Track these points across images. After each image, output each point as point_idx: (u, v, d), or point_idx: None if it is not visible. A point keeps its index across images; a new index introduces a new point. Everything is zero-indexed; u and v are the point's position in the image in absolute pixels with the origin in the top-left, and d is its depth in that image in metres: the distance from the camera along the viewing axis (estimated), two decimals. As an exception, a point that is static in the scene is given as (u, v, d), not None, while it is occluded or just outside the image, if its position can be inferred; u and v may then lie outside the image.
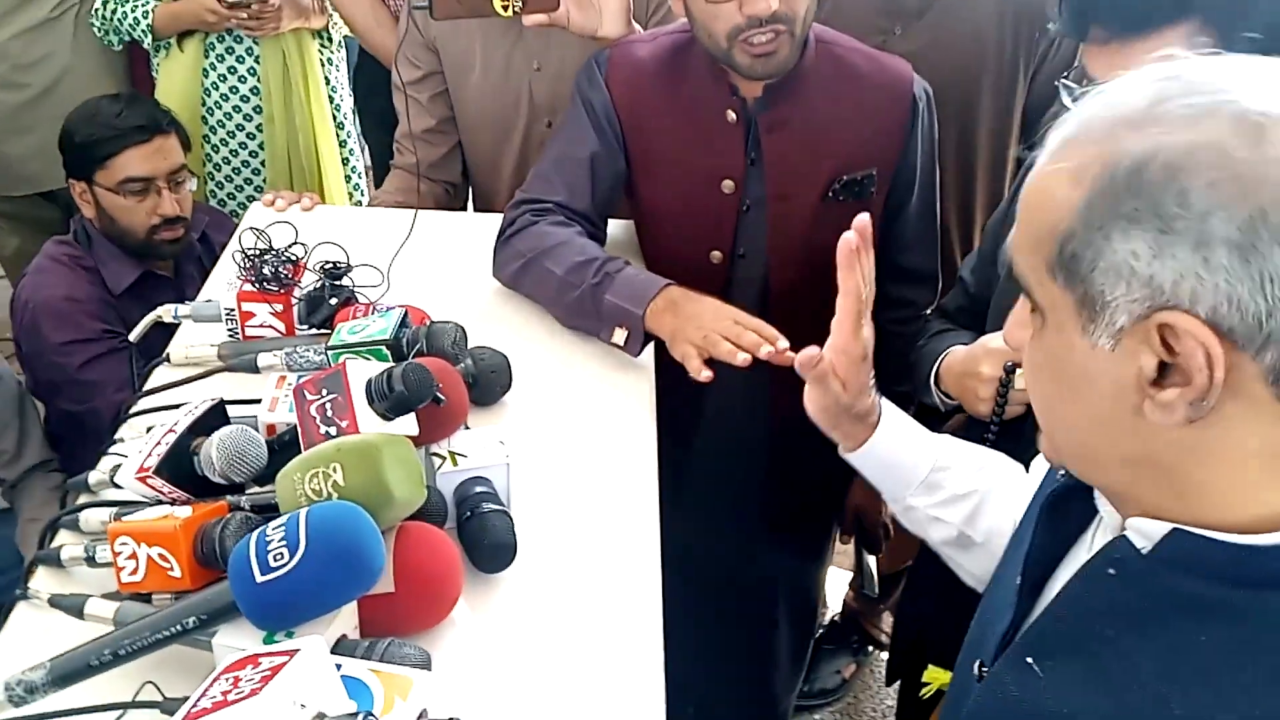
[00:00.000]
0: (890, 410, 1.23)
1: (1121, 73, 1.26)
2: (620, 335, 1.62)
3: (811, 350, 1.15)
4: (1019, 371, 1.40)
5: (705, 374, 1.50)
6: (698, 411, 1.89)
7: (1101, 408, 0.75)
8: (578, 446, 1.46)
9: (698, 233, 1.80)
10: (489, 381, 1.47)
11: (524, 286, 1.75)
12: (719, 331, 1.50)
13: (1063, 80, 1.38)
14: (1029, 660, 0.82)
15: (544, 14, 1.82)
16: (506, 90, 2.04)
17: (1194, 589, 0.74)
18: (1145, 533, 0.77)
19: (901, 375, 1.67)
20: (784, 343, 1.45)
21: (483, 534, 1.22)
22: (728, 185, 1.76)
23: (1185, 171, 0.67)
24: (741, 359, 1.47)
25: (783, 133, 1.74)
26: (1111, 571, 0.78)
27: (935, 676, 1.44)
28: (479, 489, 1.26)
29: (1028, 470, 1.23)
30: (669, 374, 1.58)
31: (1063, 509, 0.92)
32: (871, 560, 2.66)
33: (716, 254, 1.80)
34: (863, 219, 1.12)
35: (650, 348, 1.66)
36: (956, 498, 1.21)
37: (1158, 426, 0.72)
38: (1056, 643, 0.82)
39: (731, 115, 1.74)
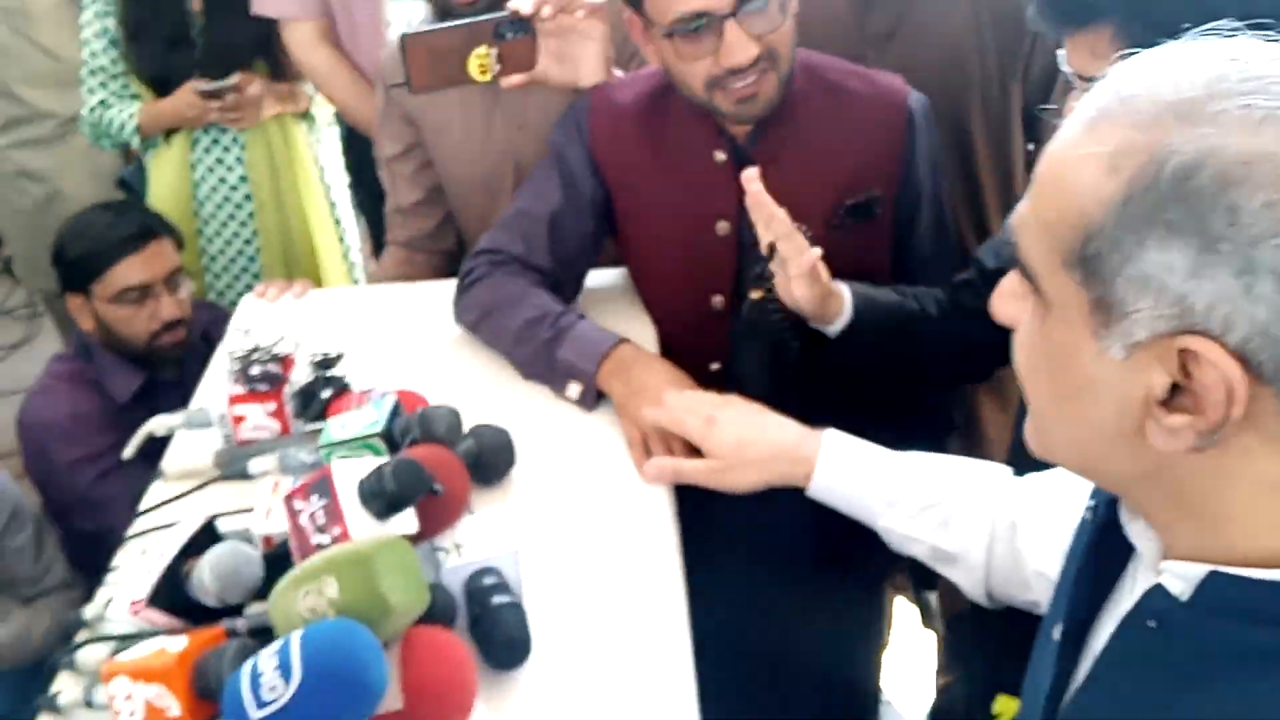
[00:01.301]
0: (833, 437, 1.28)
1: (1072, 65, 1.23)
2: (574, 390, 1.61)
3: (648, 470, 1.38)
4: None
5: (648, 474, 1.47)
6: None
7: (1100, 420, 0.69)
8: (591, 524, 1.40)
9: (694, 279, 1.73)
10: (492, 461, 1.41)
11: (481, 336, 1.76)
12: (650, 425, 1.50)
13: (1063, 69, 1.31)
14: None
15: (522, 74, 1.77)
16: (490, 153, 1.99)
17: (1244, 636, 0.66)
18: (1182, 576, 0.69)
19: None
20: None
21: (494, 630, 1.15)
22: (722, 227, 1.69)
23: (1239, 186, 0.59)
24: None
25: (778, 166, 1.64)
26: (1152, 624, 0.71)
27: (1006, 707, 1.37)
28: (488, 580, 1.20)
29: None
30: None
31: (1099, 549, 0.84)
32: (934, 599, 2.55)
33: (718, 298, 1.72)
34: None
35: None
36: (922, 510, 1.21)
37: (1159, 449, 0.66)
38: (1106, 707, 0.74)
39: (720, 155, 1.67)
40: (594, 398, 1.60)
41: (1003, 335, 1.55)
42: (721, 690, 1.22)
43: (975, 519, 1.18)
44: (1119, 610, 0.80)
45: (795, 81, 1.65)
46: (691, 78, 1.57)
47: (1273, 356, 0.60)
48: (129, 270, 2.11)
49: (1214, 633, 0.67)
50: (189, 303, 2.21)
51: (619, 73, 1.85)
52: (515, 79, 1.77)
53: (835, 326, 1.50)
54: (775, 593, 1.95)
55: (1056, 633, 0.85)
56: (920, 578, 2.33)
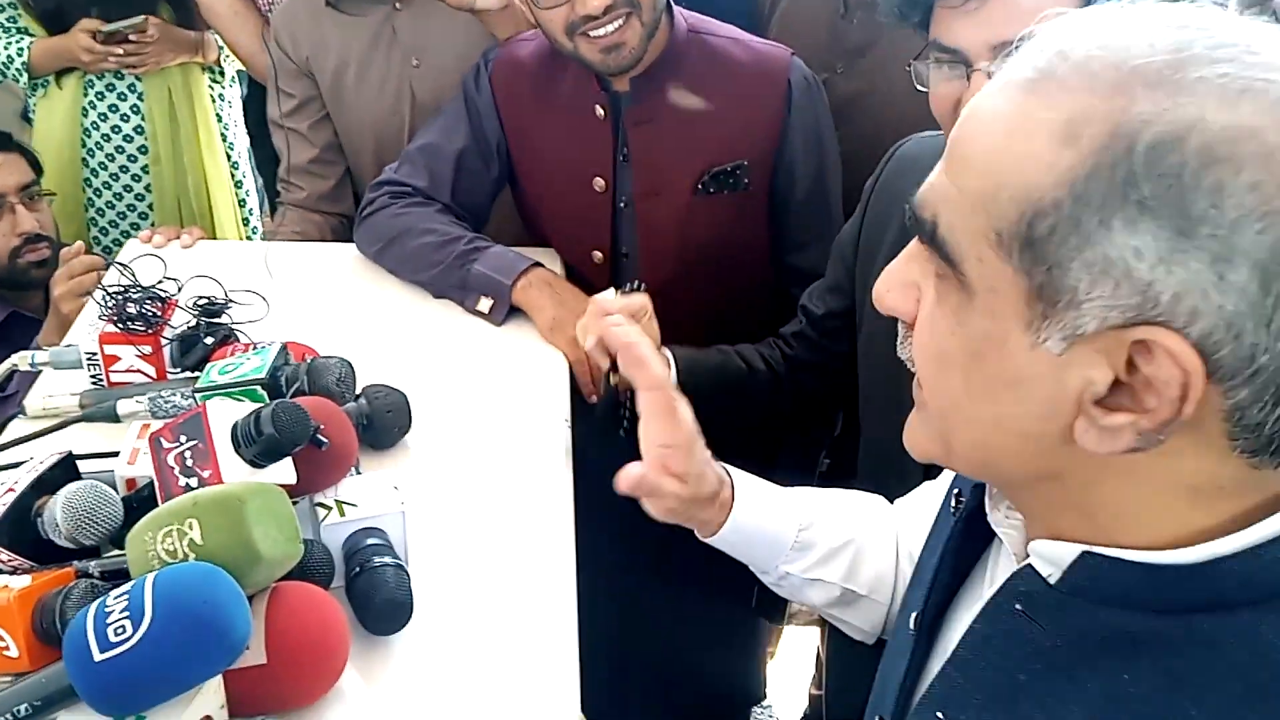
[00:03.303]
0: (741, 479, 1.10)
1: (985, 37, 1.16)
2: (485, 304, 1.65)
3: (628, 474, 1.04)
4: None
5: (594, 397, 1.50)
6: (615, 449, 1.77)
7: (1022, 419, 0.62)
8: (485, 491, 1.33)
9: (576, 233, 1.79)
10: (384, 422, 1.34)
11: (386, 261, 1.77)
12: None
13: (913, 62, 1.25)
14: (939, 716, 0.70)
15: None
16: (386, 94, 1.96)
17: (1113, 621, 0.62)
18: (1051, 558, 0.65)
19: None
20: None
21: (373, 591, 1.07)
22: (599, 183, 1.73)
23: (1225, 163, 0.53)
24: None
25: (649, 126, 1.70)
26: (1019, 607, 0.66)
27: None
28: (370, 541, 1.12)
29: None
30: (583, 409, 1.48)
31: (961, 537, 0.80)
32: None
33: (598, 254, 1.78)
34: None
35: (565, 386, 1.54)
36: (832, 553, 1.08)
37: (1084, 449, 0.60)
38: (968, 693, 0.69)
39: (600, 110, 1.70)
40: (504, 312, 1.63)
41: (833, 385, 1.53)
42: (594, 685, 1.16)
43: (881, 555, 1.10)
44: (976, 598, 0.77)
45: (678, 42, 1.67)
46: (551, 25, 1.60)
47: (1233, 353, 0.55)
48: None
49: (1081, 617, 0.63)
50: (51, 222, 2.15)
51: (517, 1, 1.84)
52: None
53: None
54: (653, 591, 1.92)
55: (912, 622, 0.82)
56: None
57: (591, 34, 1.57)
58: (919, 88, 1.26)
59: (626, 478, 1.04)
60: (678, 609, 1.94)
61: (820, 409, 1.67)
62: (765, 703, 2.40)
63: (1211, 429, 0.58)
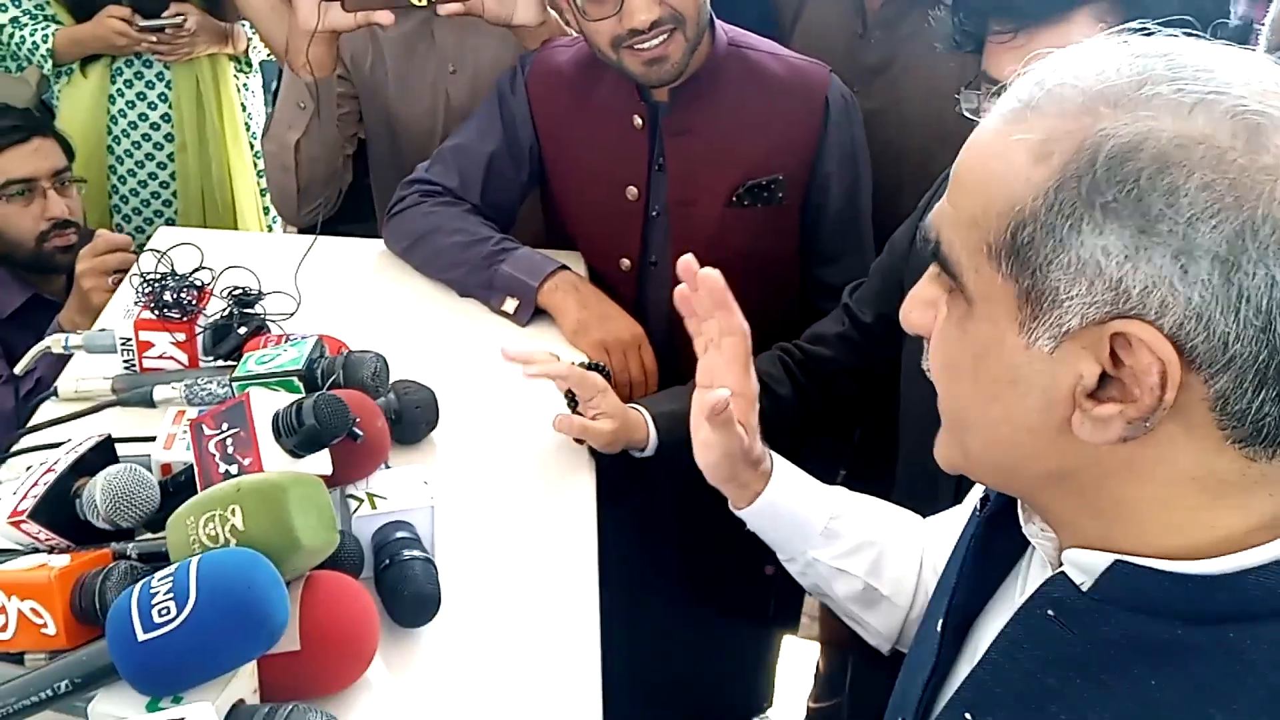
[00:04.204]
0: (778, 457, 1.16)
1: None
2: (511, 304, 1.67)
3: (721, 394, 1.06)
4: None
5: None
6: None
7: (1026, 415, 0.66)
8: (510, 489, 1.35)
9: (605, 239, 1.80)
10: (413, 418, 1.36)
11: (414, 259, 1.79)
12: (617, 354, 1.60)
13: (964, 88, 1.28)
14: (967, 717, 0.73)
15: (459, 1, 1.76)
16: (423, 98, 1.97)
17: (1143, 629, 0.64)
18: (1084, 566, 0.68)
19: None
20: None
21: (402, 584, 1.09)
22: (632, 191, 1.74)
23: (1177, 167, 0.58)
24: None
25: (687, 137, 1.72)
26: (1051, 613, 0.69)
27: None
28: (400, 534, 1.14)
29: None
30: None
31: (988, 544, 0.83)
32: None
33: (625, 261, 1.79)
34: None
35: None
36: (858, 547, 1.14)
37: (1085, 442, 0.64)
38: (996, 696, 0.72)
39: (638, 120, 1.72)
40: (529, 313, 1.67)
41: (870, 390, 1.55)
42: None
43: (905, 561, 1.15)
44: (1008, 605, 0.79)
45: (718, 55, 1.69)
46: (598, 37, 1.62)
47: (1205, 341, 0.59)
48: (12, 162, 2.04)
49: (1112, 624, 0.66)
50: (80, 208, 2.15)
51: (554, 15, 1.86)
52: (451, 7, 1.76)
53: (647, 451, 1.45)
54: (664, 596, 1.93)
55: (938, 625, 0.84)
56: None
57: (637, 47, 1.59)
58: (968, 115, 1.28)
59: (717, 400, 1.05)
60: (688, 614, 1.95)
61: (848, 415, 1.67)
62: (765, 714, 2.41)
63: (1199, 418, 0.62)
